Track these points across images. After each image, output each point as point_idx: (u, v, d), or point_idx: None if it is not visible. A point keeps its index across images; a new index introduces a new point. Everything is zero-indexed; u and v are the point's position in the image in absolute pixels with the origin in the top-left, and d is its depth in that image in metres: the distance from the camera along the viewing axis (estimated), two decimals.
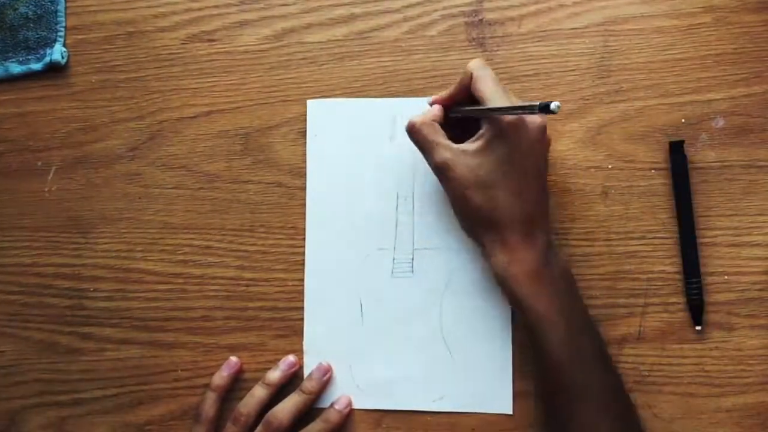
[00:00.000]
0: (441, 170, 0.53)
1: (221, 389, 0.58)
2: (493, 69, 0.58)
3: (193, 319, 0.60)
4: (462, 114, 0.55)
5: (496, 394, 0.57)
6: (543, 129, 0.52)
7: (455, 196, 0.53)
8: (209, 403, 0.58)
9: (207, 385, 0.58)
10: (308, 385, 0.57)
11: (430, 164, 0.54)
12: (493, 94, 0.52)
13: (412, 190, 0.59)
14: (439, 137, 0.53)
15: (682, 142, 0.57)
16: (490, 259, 0.53)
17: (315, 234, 0.60)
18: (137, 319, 0.61)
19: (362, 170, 0.60)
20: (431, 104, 0.56)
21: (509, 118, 0.51)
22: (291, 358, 0.58)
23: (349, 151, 0.60)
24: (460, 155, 0.52)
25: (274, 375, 0.58)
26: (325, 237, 0.60)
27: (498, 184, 0.51)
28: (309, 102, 0.61)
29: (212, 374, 0.59)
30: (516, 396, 0.57)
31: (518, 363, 0.57)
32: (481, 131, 0.52)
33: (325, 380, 0.58)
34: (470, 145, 0.52)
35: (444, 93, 0.56)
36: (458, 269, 0.58)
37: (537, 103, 0.47)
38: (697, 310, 0.56)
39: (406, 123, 0.54)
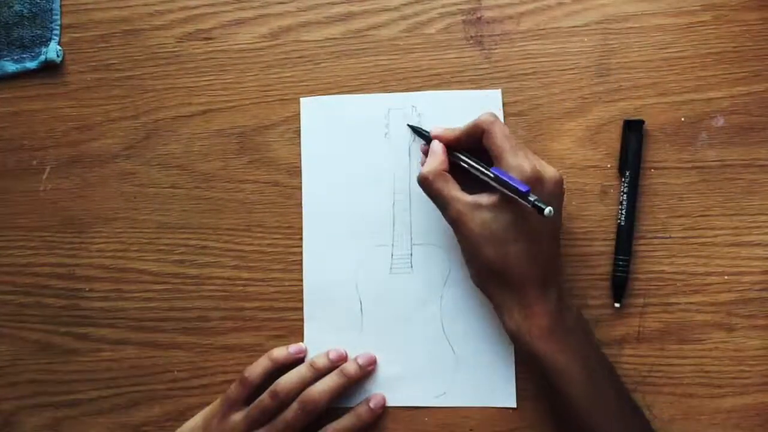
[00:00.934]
0: (455, 223, 0.52)
1: (278, 363, 0.57)
2: (492, 68, 0.59)
3: (189, 320, 0.60)
4: (464, 165, 0.54)
5: (500, 388, 0.57)
6: (560, 184, 0.51)
7: (468, 249, 0.53)
8: (259, 370, 0.57)
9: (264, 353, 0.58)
10: (351, 369, 0.56)
11: (444, 216, 0.53)
12: (506, 152, 0.51)
13: (409, 186, 0.59)
14: (452, 189, 0.52)
15: (641, 122, 0.57)
16: (503, 316, 0.52)
17: (312, 232, 0.59)
18: (133, 320, 0.61)
19: (358, 167, 0.60)
20: (433, 137, 0.55)
21: (527, 172, 0.50)
22: (342, 351, 0.58)
23: (344, 147, 0.60)
24: (474, 209, 0.51)
25: (322, 361, 0.57)
26: (323, 235, 0.59)
27: (512, 241, 0.50)
28: (302, 99, 0.60)
29: (209, 375, 0.59)
30: (518, 395, 0.57)
31: (520, 363, 0.57)
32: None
33: (369, 370, 0.57)
34: (484, 199, 0.51)
35: (449, 133, 0.55)
36: (457, 263, 0.58)
37: (533, 198, 0.48)
38: (618, 287, 0.56)
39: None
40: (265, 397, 0.55)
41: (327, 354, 0.57)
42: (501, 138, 0.51)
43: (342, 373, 0.56)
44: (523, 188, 0.48)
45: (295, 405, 0.55)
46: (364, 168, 0.60)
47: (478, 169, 0.53)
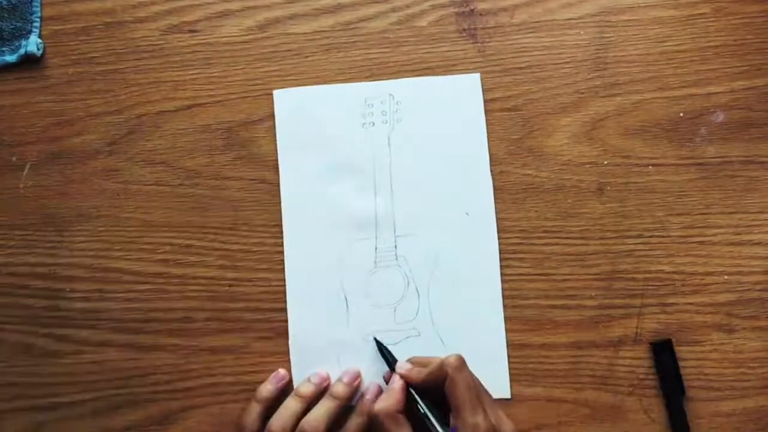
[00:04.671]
0: None
1: (267, 401, 0.56)
2: (485, 61, 0.59)
3: (173, 321, 0.59)
4: (420, 413, 0.52)
5: (493, 378, 0.55)
6: None
7: None
8: (253, 416, 0.55)
9: (251, 397, 0.56)
10: (339, 389, 0.55)
11: None
12: (465, 407, 0.50)
13: (390, 176, 0.58)
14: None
15: (669, 341, 0.55)
16: None
17: (292, 228, 0.58)
18: (115, 321, 0.59)
19: (336, 159, 0.58)
20: (397, 373, 0.54)
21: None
22: (323, 373, 0.57)
23: (321, 139, 0.59)
24: None
25: (307, 388, 0.56)
26: (304, 230, 0.58)
27: None
28: (275, 92, 0.59)
29: (194, 378, 0.58)
30: (511, 386, 0.56)
31: (513, 368, 0.56)
32: None
33: (356, 385, 0.56)
34: None
35: (413, 373, 0.54)
36: (443, 253, 0.57)
37: None
38: None
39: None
40: None
41: (309, 379, 0.56)
42: (463, 389, 0.50)
43: (332, 396, 0.55)
44: None
45: None
46: (343, 160, 0.58)
47: (434, 425, 0.51)
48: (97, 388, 0.59)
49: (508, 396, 0.55)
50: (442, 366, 0.52)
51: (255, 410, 0.55)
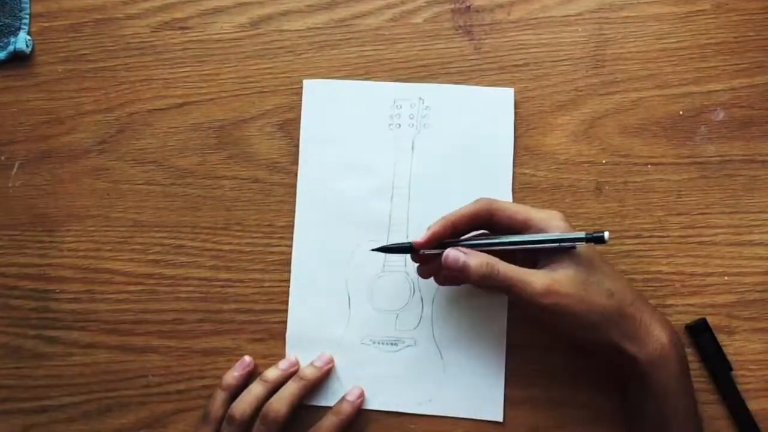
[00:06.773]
0: (545, 296, 0.47)
1: (232, 388, 0.55)
2: (482, 59, 0.58)
3: (164, 322, 0.58)
4: (496, 248, 0.50)
5: (487, 400, 0.55)
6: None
7: (574, 314, 0.48)
8: (218, 403, 0.55)
9: (217, 384, 0.56)
10: (307, 372, 0.55)
11: (523, 300, 0.48)
12: (531, 211, 0.50)
13: (409, 181, 0.57)
14: (519, 271, 0.48)
15: (703, 321, 0.54)
16: (641, 349, 0.48)
17: (305, 219, 0.57)
18: (106, 322, 0.58)
19: (358, 156, 0.58)
20: (419, 244, 0.51)
21: (558, 214, 0.50)
22: (292, 358, 0.56)
23: (345, 135, 0.58)
24: (552, 276, 0.48)
25: (273, 373, 0.55)
26: (315, 223, 0.57)
27: (598, 282, 0.48)
28: (305, 81, 0.59)
29: (185, 380, 0.57)
30: (507, 403, 0.55)
31: (511, 369, 0.55)
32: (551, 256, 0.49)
33: (326, 369, 0.56)
34: (553, 267, 0.49)
35: (444, 225, 0.51)
36: None
37: (595, 234, 0.47)
38: None
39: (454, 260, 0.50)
40: (224, 426, 0.54)
41: (277, 365, 0.56)
42: (514, 205, 0.51)
43: (299, 377, 0.55)
44: (579, 234, 0.48)
45: (257, 423, 0.53)
46: (364, 158, 0.58)
47: (522, 244, 0.49)
48: (87, 390, 0.58)
49: (500, 419, 0.54)
50: (478, 210, 0.50)
51: (220, 397, 0.55)
